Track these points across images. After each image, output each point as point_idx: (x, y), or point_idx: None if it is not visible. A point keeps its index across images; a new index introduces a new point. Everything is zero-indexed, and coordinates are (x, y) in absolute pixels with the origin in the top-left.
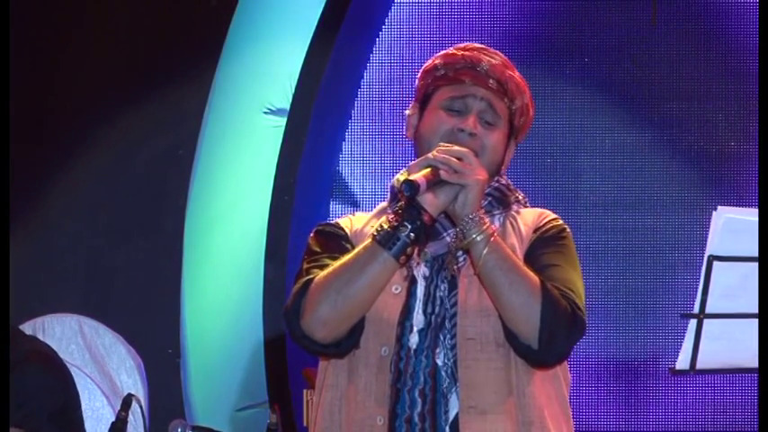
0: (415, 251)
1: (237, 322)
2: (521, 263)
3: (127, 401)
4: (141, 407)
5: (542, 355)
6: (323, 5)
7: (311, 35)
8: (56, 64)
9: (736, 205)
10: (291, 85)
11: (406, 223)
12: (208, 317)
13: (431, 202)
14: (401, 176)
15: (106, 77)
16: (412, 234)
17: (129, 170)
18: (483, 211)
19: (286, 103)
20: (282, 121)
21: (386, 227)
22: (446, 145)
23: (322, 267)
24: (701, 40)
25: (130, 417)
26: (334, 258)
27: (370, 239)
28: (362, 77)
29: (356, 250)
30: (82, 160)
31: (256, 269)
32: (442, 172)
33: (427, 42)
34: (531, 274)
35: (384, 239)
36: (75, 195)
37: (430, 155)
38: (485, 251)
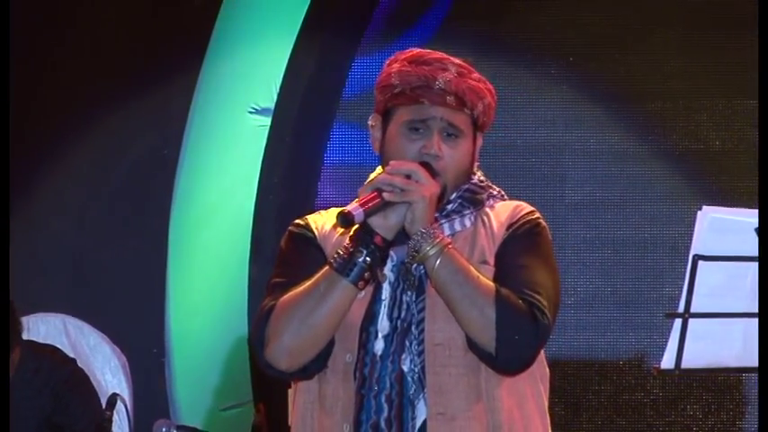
0: (377, 271)
1: (222, 322)
2: (475, 273)
3: (111, 401)
4: (126, 406)
5: (502, 363)
6: (308, 4)
7: (296, 34)
8: (40, 65)
9: (721, 205)
10: (276, 85)
11: (360, 248)
12: (192, 316)
13: (381, 225)
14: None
15: (91, 78)
16: (368, 258)
17: (114, 170)
18: (437, 224)
19: (271, 103)
20: (267, 120)
21: (342, 253)
22: (397, 162)
23: (287, 287)
24: (687, 39)
25: (115, 416)
26: (302, 271)
27: (328, 267)
28: (348, 76)
29: (315, 277)
30: (67, 160)
31: (241, 269)
32: (385, 194)
33: (415, 40)
34: (486, 283)
35: (341, 267)
36: (60, 195)
37: (376, 177)
38: (436, 264)
